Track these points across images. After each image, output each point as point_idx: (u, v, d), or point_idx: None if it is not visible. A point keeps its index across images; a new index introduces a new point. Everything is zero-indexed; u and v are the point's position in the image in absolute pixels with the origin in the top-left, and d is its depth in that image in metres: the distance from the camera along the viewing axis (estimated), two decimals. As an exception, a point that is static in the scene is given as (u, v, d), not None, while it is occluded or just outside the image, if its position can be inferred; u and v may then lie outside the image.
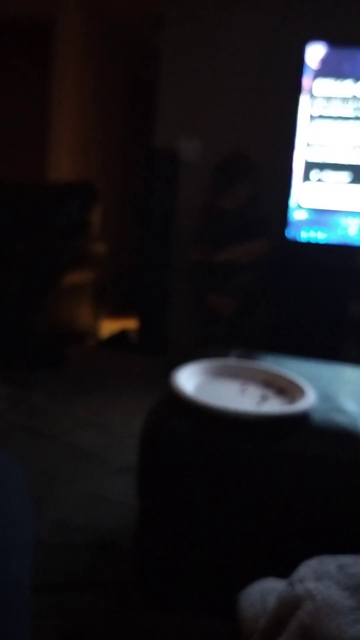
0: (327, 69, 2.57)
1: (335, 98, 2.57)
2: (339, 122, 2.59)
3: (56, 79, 4.08)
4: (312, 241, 2.66)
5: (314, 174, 2.63)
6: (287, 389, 1.16)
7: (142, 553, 1.11)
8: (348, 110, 2.57)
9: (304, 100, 2.59)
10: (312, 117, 2.60)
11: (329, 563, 0.50)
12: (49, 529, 1.49)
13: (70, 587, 1.27)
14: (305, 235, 2.66)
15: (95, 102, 4.56)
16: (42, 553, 1.36)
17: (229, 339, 2.80)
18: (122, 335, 3.61)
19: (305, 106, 2.60)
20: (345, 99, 2.57)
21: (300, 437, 1.01)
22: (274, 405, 1.08)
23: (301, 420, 1.04)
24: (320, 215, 2.65)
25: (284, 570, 0.56)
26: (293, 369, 1.32)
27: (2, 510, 0.53)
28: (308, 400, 1.07)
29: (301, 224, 2.67)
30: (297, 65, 2.59)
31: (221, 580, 0.97)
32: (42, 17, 4.04)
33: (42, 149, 4.17)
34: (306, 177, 2.63)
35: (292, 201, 2.66)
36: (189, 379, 1.16)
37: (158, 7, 3.31)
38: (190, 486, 1.01)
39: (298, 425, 1.03)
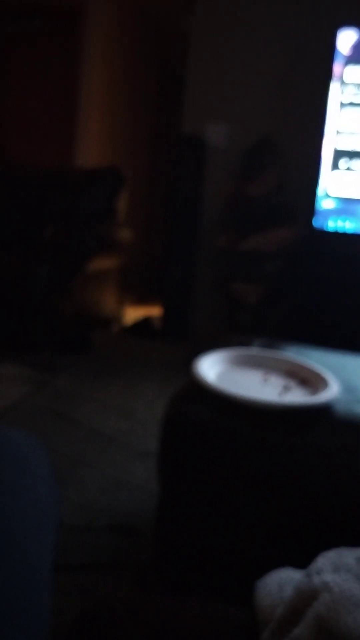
0: (359, 56, 2.52)
1: (367, 85, 2.53)
2: (370, 109, 2.54)
3: (85, 63, 4.08)
4: (340, 231, 2.63)
5: (343, 162, 2.59)
6: (310, 380, 1.15)
7: (162, 537, 1.12)
8: (380, 97, 2.52)
9: (334, 87, 2.55)
10: (342, 105, 2.56)
11: (348, 555, 0.51)
12: (71, 511, 1.51)
13: (91, 569, 1.29)
14: (333, 225, 2.63)
15: (124, 87, 4.54)
16: (63, 534, 1.39)
17: (253, 327, 2.79)
18: (146, 322, 3.62)
19: (335, 93, 2.55)
20: (377, 86, 2.52)
21: (322, 429, 1.01)
22: (297, 396, 1.08)
23: (324, 411, 1.04)
24: (349, 205, 2.61)
25: (302, 560, 0.57)
26: (316, 359, 1.31)
27: (25, 492, 0.54)
28: (331, 392, 1.06)
29: (329, 213, 2.63)
30: (328, 51, 2.54)
31: (239, 568, 0.98)
32: (72, 3, 4.03)
33: (70, 135, 4.18)
34: (335, 166, 2.60)
35: (320, 190, 2.63)
36: (211, 367, 1.16)
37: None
38: (211, 474, 1.02)
39: (320, 416, 1.03)
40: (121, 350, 3.17)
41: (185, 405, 1.06)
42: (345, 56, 2.53)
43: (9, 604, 0.44)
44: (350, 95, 2.54)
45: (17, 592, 0.45)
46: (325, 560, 0.51)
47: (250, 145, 2.98)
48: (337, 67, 2.54)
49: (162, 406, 1.09)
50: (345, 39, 2.51)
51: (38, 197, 3.35)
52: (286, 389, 1.11)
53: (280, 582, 0.57)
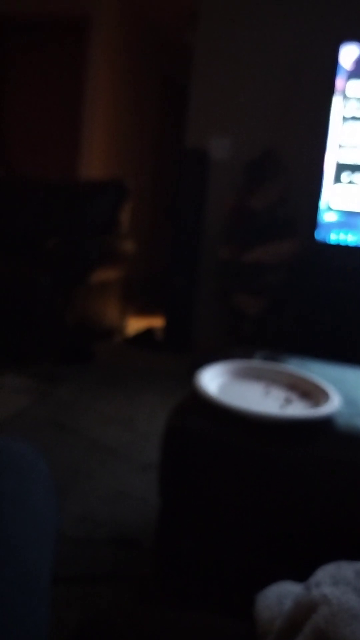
0: (362, 70, 2.54)
1: (369, 99, 2.55)
2: (372, 123, 2.56)
3: (90, 77, 4.12)
4: (342, 243, 2.64)
5: (345, 175, 2.60)
6: (311, 393, 1.15)
7: (163, 549, 1.12)
8: (382, 111, 2.54)
9: (336, 101, 2.57)
10: (344, 119, 2.58)
11: (347, 568, 0.51)
12: (71, 523, 1.51)
13: (91, 581, 1.28)
14: (335, 238, 2.64)
15: (128, 101, 4.58)
16: (64, 546, 1.38)
17: (255, 339, 2.79)
18: (148, 333, 3.63)
19: (338, 107, 2.57)
20: (379, 100, 2.54)
21: (323, 442, 1.01)
22: (298, 409, 1.08)
23: (325, 424, 1.04)
24: (351, 218, 2.62)
25: (302, 574, 0.57)
26: (318, 372, 1.31)
27: (24, 503, 0.54)
28: (332, 405, 1.06)
29: (331, 225, 2.65)
30: (331, 65, 2.57)
31: (239, 580, 0.98)
32: (77, 16, 4.08)
33: (75, 147, 4.22)
34: (337, 179, 2.61)
35: (323, 203, 2.64)
36: (213, 379, 1.16)
37: (192, 7, 3.32)
38: (212, 486, 1.02)
39: (322, 429, 1.03)
40: (123, 361, 3.18)
41: (187, 417, 1.06)
42: (348, 71, 2.55)
43: (6, 613, 0.44)
44: (352, 109, 2.57)
45: (15, 602, 0.45)
46: (325, 574, 0.51)
47: (253, 158, 3.00)
48: (339, 82, 2.56)
49: (164, 418, 1.09)
50: (347, 53, 2.54)
51: (42, 208, 3.37)
52: (287, 401, 1.11)
53: (280, 595, 0.57)
